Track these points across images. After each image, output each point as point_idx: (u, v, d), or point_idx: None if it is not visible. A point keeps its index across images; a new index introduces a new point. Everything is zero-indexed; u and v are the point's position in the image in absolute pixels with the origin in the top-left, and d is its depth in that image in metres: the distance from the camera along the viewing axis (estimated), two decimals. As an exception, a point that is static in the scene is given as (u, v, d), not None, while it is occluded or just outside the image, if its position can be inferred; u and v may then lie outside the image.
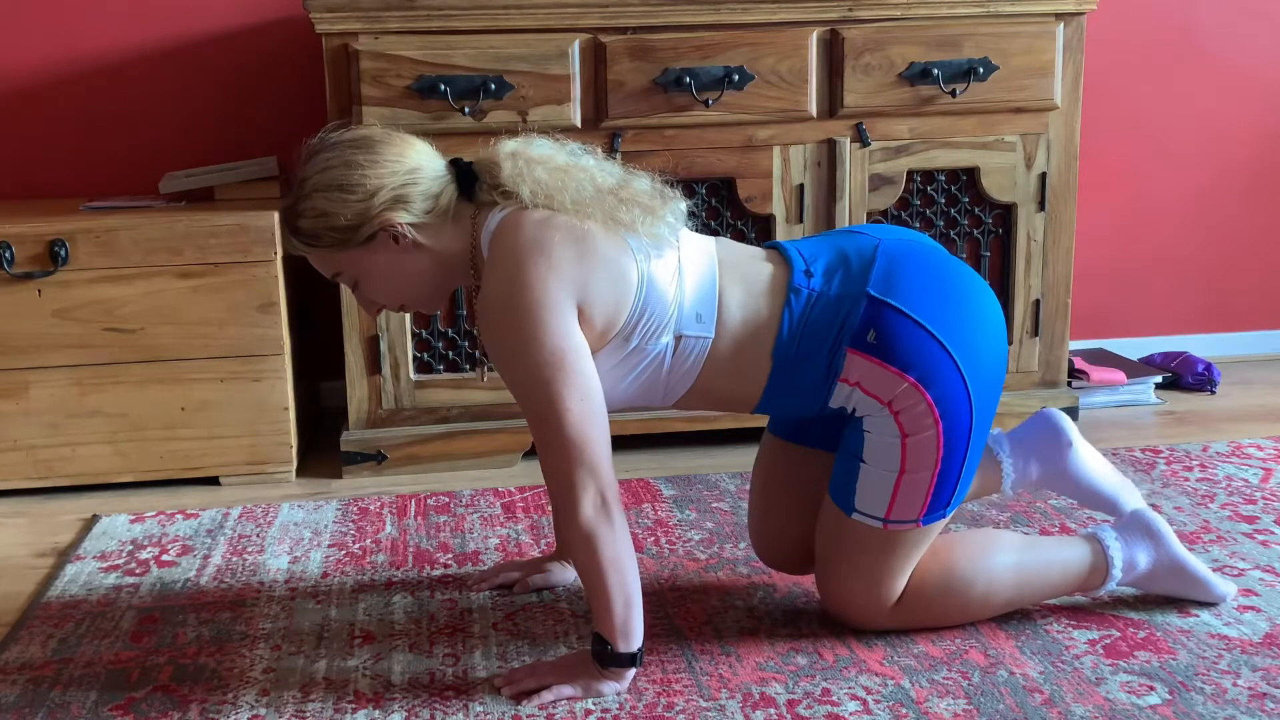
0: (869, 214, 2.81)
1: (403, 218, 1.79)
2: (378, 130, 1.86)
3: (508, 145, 1.83)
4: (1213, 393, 3.25)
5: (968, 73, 2.76)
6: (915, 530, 1.84)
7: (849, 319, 1.79)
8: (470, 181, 1.83)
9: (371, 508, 2.54)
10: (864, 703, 1.75)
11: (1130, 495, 2.08)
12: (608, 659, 1.76)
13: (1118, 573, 1.94)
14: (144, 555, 2.33)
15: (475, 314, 1.82)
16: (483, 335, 1.78)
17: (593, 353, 1.76)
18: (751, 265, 1.86)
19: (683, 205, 1.85)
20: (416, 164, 1.81)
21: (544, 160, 1.81)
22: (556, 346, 1.71)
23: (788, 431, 2.03)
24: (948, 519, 1.86)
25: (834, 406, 1.85)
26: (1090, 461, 2.07)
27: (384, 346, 2.73)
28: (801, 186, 2.79)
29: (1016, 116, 2.83)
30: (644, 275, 1.78)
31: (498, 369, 1.78)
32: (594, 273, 1.75)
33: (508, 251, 1.75)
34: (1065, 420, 2.07)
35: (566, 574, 2.14)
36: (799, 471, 2.00)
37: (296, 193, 1.82)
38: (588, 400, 1.71)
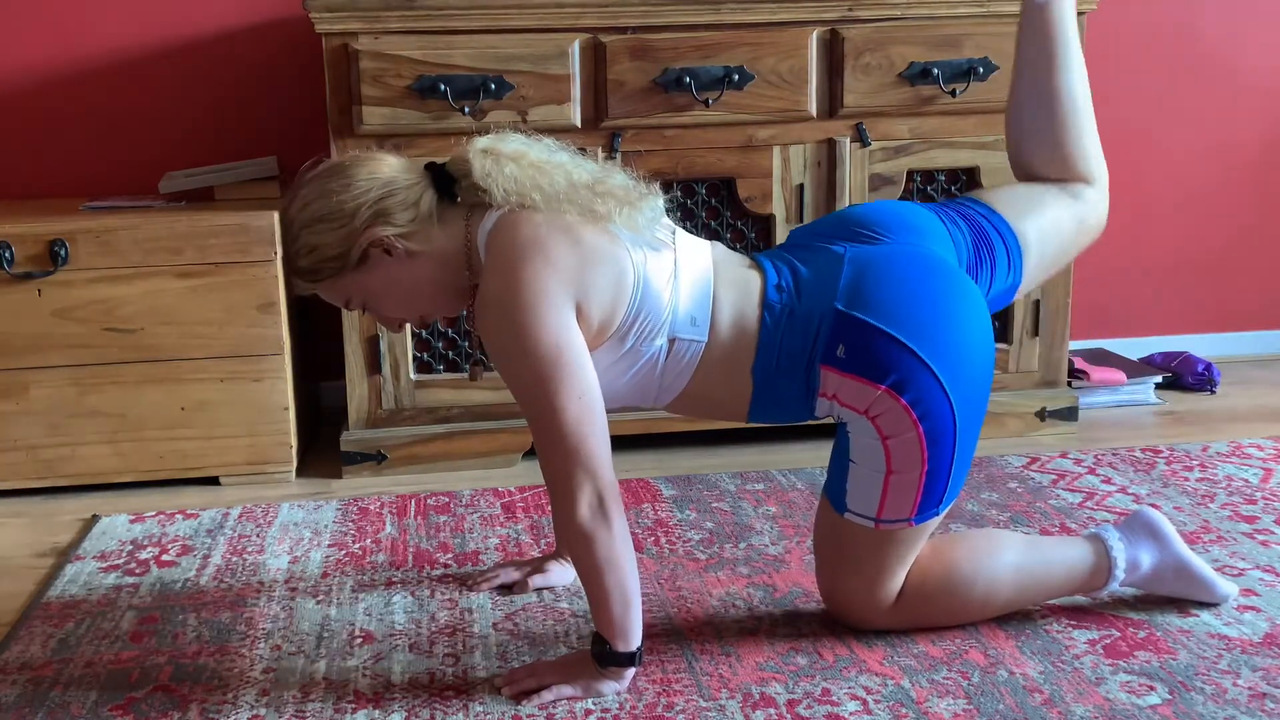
0: (869, 214, 2.81)
1: (387, 231, 1.79)
2: (347, 156, 1.88)
3: (479, 142, 1.83)
4: (1213, 393, 3.25)
5: (968, 73, 2.76)
6: (908, 529, 1.84)
7: (819, 335, 1.80)
8: (448, 182, 1.84)
9: (371, 508, 2.54)
10: (864, 703, 1.75)
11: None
12: (607, 658, 1.76)
13: (1120, 573, 1.94)
14: (144, 555, 2.33)
15: (473, 314, 1.83)
16: (481, 334, 1.78)
17: (589, 351, 1.76)
18: (741, 272, 1.87)
19: (660, 201, 1.85)
20: (389, 177, 1.82)
21: (516, 156, 1.81)
22: (554, 345, 1.71)
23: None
24: (941, 517, 1.86)
25: (819, 416, 1.87)
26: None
27: (384, 346, 2.73)
28: (801, 186, 2.79)
29: (1016, 116, 2.82)
30: (640, 276, 1.78)
31: (496, 368, 1.78)
32: (592, 271, 1.75)
33: (505, 251, 1.75)
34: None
35: (566, 574, 2.14)
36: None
37: (287, 237, 1.84)
38: (585, 399, 1.71)
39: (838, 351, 1.79)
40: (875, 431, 1.79)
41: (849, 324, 1.78)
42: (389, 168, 1.83)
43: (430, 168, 1.86)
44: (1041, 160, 2.03)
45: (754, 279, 1.85)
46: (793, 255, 1.90)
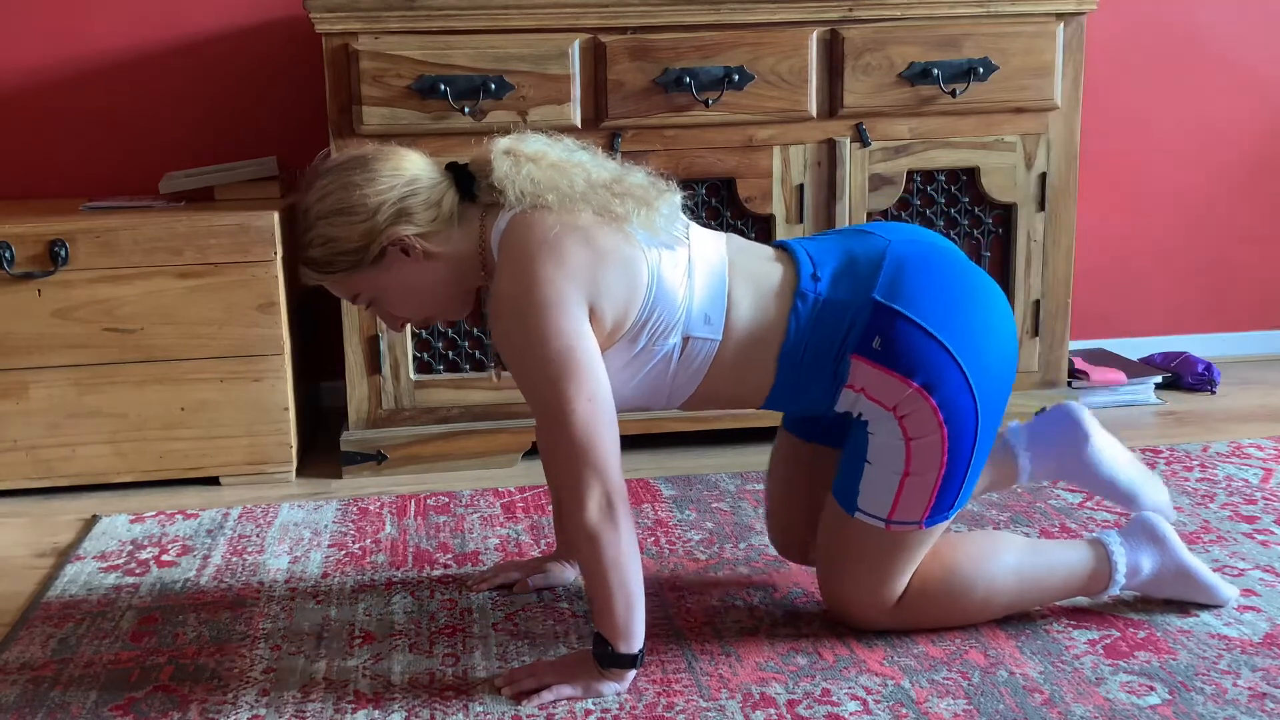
0: (869, 214, 2.81)
1: (408, 230, 1.78)
2: (370, 148, 1.86)
3: (501, 143, 1.82)
4: (1213, 393, 3.25)
5: (968, 73, 2.76)
6: (918, 531, 1.84)
7: (854, 325, 1.79)
8: (469, 182, 1.83)
9: (371, 508, 2.54)
10: (864, 703, 1.75)
11: (1152, 489, 2.07)
12: (608, 659, 1.76)
13: (1121, 578, 1.94)
14: (144, 555, 2.33)
15: (486, 314, 1.82)
16: (494, 335, 1.78)
17: (601, 352, 1.76)
18: (761, 265, 1.85)
19: (677, 198, 1.84)
20: (413, 174, 1.80)
21: (537, 157, 1.80)
22: (566, 345, 1.70)
23: (802, 429, 2.03)
24: (950, 520, 1.86)
25: (840, 411, 1.85)
26: (1109, 454, 2.05)
27: (384, 346, 2.73)
28: (801, 186, 2.79)
29: (1016, 116, 2.83)
30: (654, 274, 1.78)
31: (508, 368, 1.77)
32: (605, 271, 1.75)
33: (519, 251, 1.75)
34: (1084, 413, 2.06)
35: (566, 574, 2.14)
36: (813, 467, 2.00)
37: (301, 225, 1.82)
38: (596, 401, 1.71)
39: (873, 343, 1.78)
40: (900, 431, 1.78)
41: (888, 316, 1.78)
42: (412, 164, 1.82)
43: (451, 167, 1.85)
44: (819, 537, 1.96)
45: (778, 271, 1.84)
46: (828, 243, 1.89)
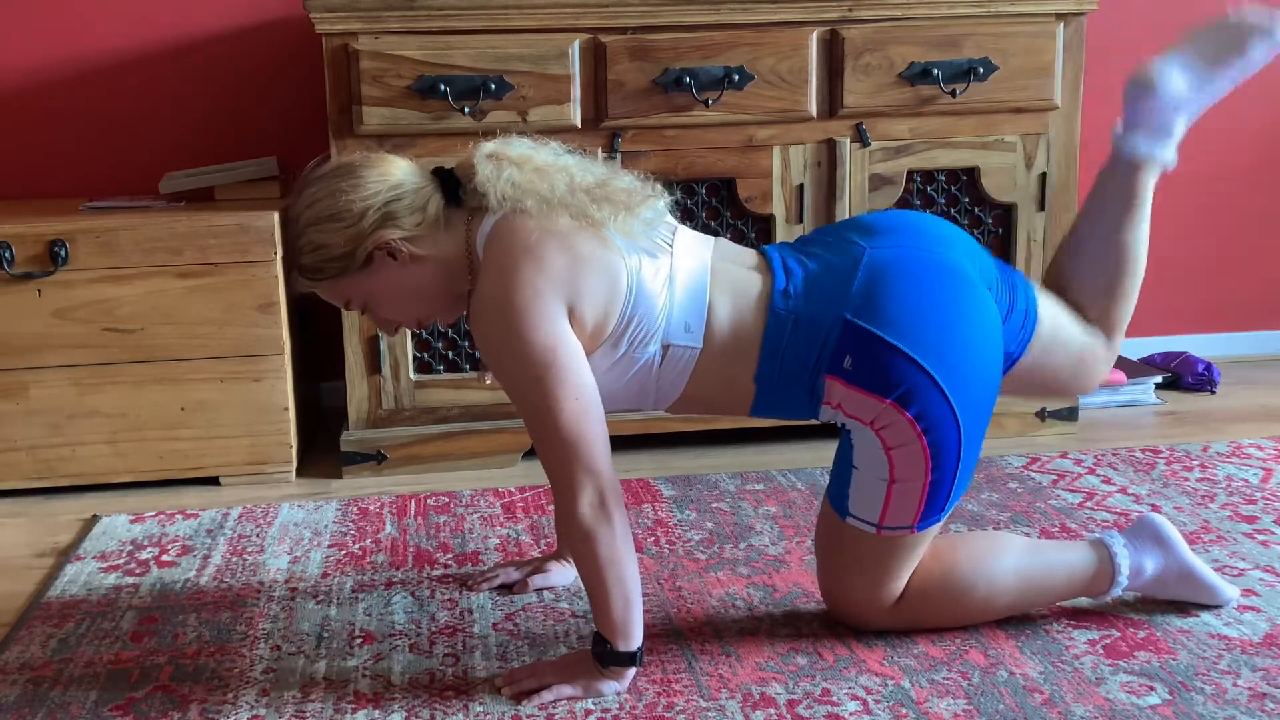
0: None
1: (394, 234, 1.79)
2: (357, 155, 1.87)
3: (486, 147, 1.83)
4: (1213, 393, 3.25)
5: (968, 73, 2.76)
6: (910, 536, 1.84)
7: (827, 344, 1.79)
8: (454, 187, 1.84)
9: (371, 508, 2.54)
10: (864, 703, 1.75)
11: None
12: (608, 658, 1.76)
13: (1124, 579, 1.93)
14: (144, 555, 2.33)
15: (470, 317, 1.83)
16: (476, 338, 1.78)
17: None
18: (742, 275, 1.85)
19: (662, 203, 1.84)
20: (398, 180, 1.81)
21: (520, 161, 1.80)
22: (548, 345, 1.71)
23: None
24: (943, 522, 1.86)
25: (823, 420, 1.87)
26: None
27: (384, 346, 2.73)
28: (801, 186, 2.79)
29: (1016, 116, 2.83)
30: (633, 279, 1.78)
31: (492, 371, 1.78)
32: (583, 276, 1.75)
33: (500, 255, 1.76)
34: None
35: (566, 574, 2.14)
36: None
37: (292, 233, 1.84)
38: (582, 399, 1.71)
39: (844, 363, 1.78)
40: (879, 441, 1.78)
41: (857, 335, 1.77)
42: (398, 170, 1.83)
43: (438, 172, 1.86)
44: (1081, 300, 2.00)
45: (757, 282, 1.84)
46: (807, 252, 1.88)
